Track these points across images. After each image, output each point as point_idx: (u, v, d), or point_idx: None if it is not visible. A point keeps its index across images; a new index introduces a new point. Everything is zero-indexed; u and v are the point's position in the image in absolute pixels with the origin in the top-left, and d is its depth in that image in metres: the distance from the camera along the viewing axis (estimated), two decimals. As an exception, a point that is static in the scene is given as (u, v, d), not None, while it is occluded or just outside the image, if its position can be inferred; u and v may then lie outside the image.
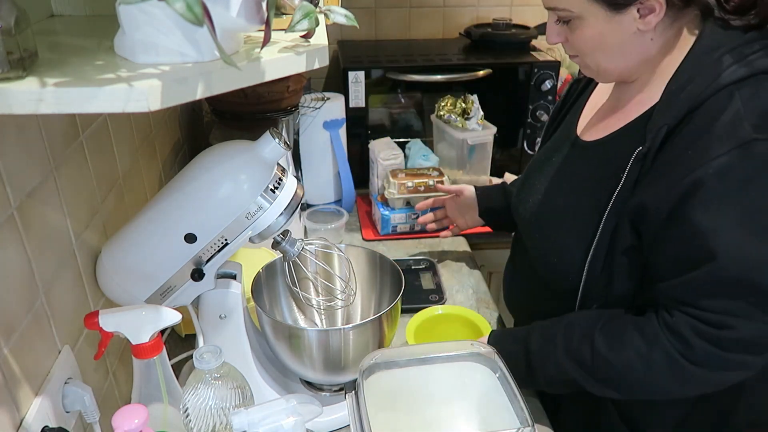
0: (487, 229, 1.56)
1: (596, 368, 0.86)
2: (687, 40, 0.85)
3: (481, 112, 1.53)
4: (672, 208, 0.78)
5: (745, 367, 0.80)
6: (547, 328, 0.93)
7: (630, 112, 0.91)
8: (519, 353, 0.94)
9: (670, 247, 0.81)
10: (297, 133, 1.53)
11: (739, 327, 0.77)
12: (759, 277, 0.75)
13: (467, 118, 1.53)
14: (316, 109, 1.54)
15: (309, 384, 1.03)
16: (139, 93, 0.50)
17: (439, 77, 1.65)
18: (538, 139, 1.19)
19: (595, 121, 0.99)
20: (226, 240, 0.85)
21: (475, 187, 1.32)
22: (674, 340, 0.80)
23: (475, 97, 1.54)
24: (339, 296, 1.07)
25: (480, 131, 1.54)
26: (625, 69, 0.89)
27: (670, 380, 0.83)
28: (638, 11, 0.81)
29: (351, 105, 1.64)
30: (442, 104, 1.60)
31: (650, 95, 0.88)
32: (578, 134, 1.00)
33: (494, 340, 0.99)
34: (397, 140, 1.67)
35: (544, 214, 1.00)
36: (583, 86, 1.09)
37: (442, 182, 1.50)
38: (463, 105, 1.56)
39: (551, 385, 0.93)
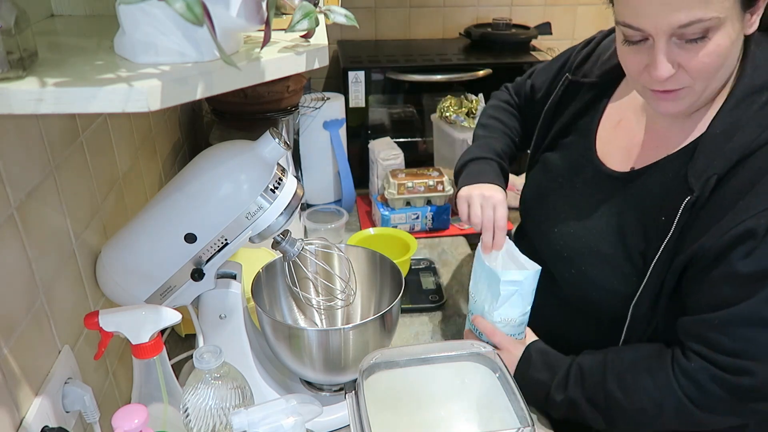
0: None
1: (608, 409, 0.86)
2: (736, 56, 0.80)
3: None
4: (719, 253, 0.76)
5: (755, 415, 0.79)
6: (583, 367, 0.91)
7: (671, 140, 0.86)
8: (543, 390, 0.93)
9: (707, 287, 0.79)
10: (297, 133, 1.53)
11: (757, 372, 0.75)
12: None
13: (473, 118, 1.53)
14: (316, 109, 1.54)
15: (309, 384, 1.03)
16: (138, 93, 0.50)
17: (439, 77, 1.65)
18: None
19: (624, 146, 0.94)
20: (226, 240, 0.85)
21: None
22: (688, 384, 0.79)
23: (480, 96, 1.54)
24: (339, 296, 1.07)
25: (480, 131, 1.53)
26: (717, 82, 0.79)
27: (679, 423, 0.82)
28: (744, 6, 0.74)
29: (351, 105, 1.64)
30: (445, 104, 1.60)
31: (694, 123, 0.83)
32: (601, 159, 0.96)
33: (530, 355, 0.96)
34: (397, 140, 1.67)
35: (579, 251, 0.95)
36: (592, 97, 1.01)
37: (442, 183, 1.50)
38: (469, 105, 1.56)
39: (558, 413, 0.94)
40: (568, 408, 0.91)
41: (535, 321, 1.01)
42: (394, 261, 1.04)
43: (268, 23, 0.59)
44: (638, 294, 0.86)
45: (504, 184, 1.09)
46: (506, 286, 0.94)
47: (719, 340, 0.77)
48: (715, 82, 0.79)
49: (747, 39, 0.80)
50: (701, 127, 0.85)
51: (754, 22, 0.77)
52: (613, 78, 0.98)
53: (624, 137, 0.95)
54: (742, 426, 0.87)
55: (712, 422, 0.81)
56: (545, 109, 1.08)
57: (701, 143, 0.81)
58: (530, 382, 0.93)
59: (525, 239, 1.14)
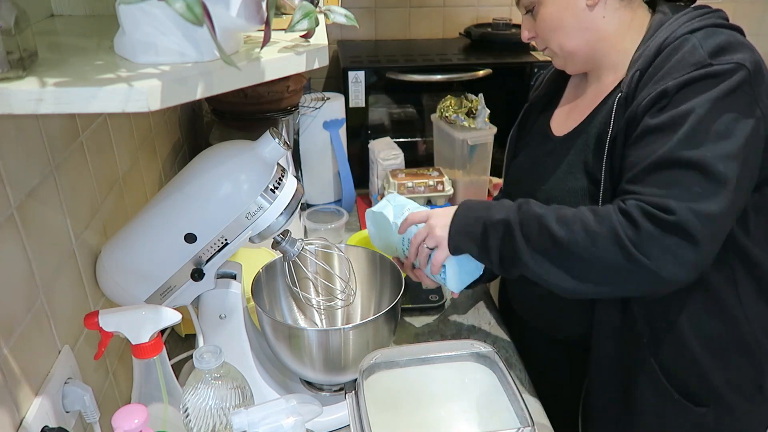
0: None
1: (542, 242, 0.87)
2: (642, 24, 0.96)
3: (488, 111, 1.53)
4: (640, 119, 0.87)
5: (680, 258, 0.81)
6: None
7: (599, 94, 1.00)
8: (480, 220, 0.95)
9: (633, 150, 0.88)
10: (297, 133, 1.53)
11: (678, 210, 0.79)
12: (704, 160, 0.80)
13: (474, 117, 1.53)
14: (316, 109, 1.54)
15: (309, 384, 1.03)
16: (138, 93, 0.50)
17: (439, 77, 1.65)
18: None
19: (568, 116, 1.07)
20: (226, 240, 0.85)
21: None
22: (623, 220, 0.83)
23: (480, 96, 1.54)
24: (339, 296, 1.07)
25: (480, 131, 1.54)
26: (586, 48, 0.97)
27: (612, 260, 0.83)
28: None
29: (351, 105, 1.64)
30: (446, 104, 1.60)
31: (609, 81, 0.98)
32: (552, 130, 1.08)
33: (464, 206, 0.99)
34: (397, 140, 1.67)
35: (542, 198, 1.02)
36: (550, 90, 1.14)
37: (442, 183, 1.50)
38: (469, 104, 1.56)
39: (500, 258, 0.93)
40: (503, 233, 0.91)
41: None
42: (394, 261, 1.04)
43: (268, 23, 0.59)
44: (600, 195, 0.93)
45: None
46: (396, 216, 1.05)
47: (647, 183, 0.84)
48: (566, 42, 0.97)
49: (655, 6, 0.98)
50: (616, 80, 0.98)
51: None
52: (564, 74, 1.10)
53: (567, 109, 1.09)
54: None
55: (645, 270, 0.82)
56: (509, 137, 1.20)
57: (631, 62, 0.94)
58: (469, 221, 0.95)
59: None
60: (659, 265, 0.81)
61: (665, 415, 0.99)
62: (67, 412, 0.76)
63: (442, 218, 0.98)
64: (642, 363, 0.97)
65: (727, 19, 0.93)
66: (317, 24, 0.66)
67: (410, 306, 1.25)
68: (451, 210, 0.98)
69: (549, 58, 1.09)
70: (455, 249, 0.96)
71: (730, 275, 0.93)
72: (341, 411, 0.97)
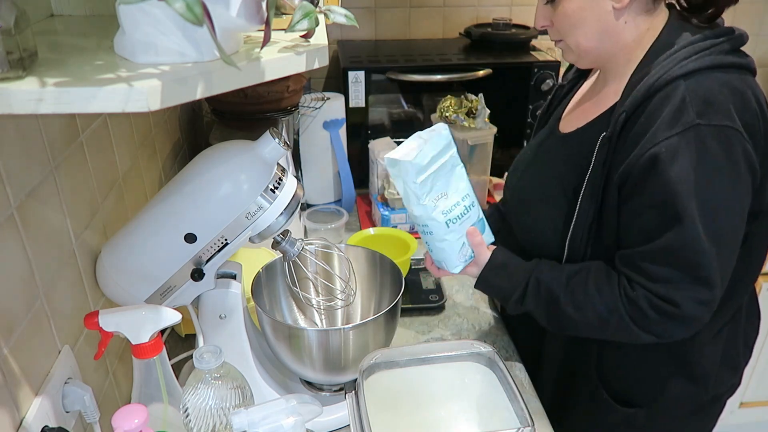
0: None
1: (559, 320, 0.96)
2: (653, 35, 0.93)
3: (488, 111, 1.53)
4: (635, 181, 0.86)
5: (689, 329, 0.90)
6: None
7: (601, 102, 0.99)
8: (512, 286, 1.00)
9: (630, 218, 0.89)
10: (297, 133, 1.53)
11: (681, 303, 0.86)
12: (697, 257, 0.84)
13: (474, 117, 1.53)
14: (316, 109, 1.54)
15: (309, 384, 1.03)
16: (138, 93, 0.50)
17: (439, 77, 1.64)
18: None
19: (572, 115, 1.06)
20: (226, 240, 0.85)
21: None
22: (633, 310, 0.89)
23: (480, 96, 1.54)
24: (339, 296, 1.07)
25: (480, 131, 1.54)
26: (602, 49, 0.95)
27: (622, 337, 0.93)
28: None
29: (351, 105, 1.63)
30: (446, 104, 1.60)
31: (621, 86, 0.95)
32: (560, 125, 1.08)
33: (495, 262, 1.02)
34: (397, 140, 1.66)
35: (523, 198, 1.09)
36: (568, 88, 1.14)
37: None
38: (469, 104, 1.56)
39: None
40: (524, 314, 1.01)
41: None
42: (394, 261, 1.04)
43: (268, 23, 0.59)
44: (571, 229, 0.96)
45: None
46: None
47: (652, 269, 0.87)
48: (583, 41, 0.94)
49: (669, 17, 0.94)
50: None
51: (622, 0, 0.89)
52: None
53: (577, 107, 1.08)
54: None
55: (647, 339, 0.92)
56: (539, 115, 1.21)
57: (623, 92, 0.93)
58: (493, 287, 1.02)
59: None
60: (668, 336, 0.91)
61: (595, 413, 1.08)
62: (67, 412, 0.76)
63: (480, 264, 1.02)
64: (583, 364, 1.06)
65: (737, 47, 0.90)
66: (317, 24, 0.66)
67: (410, 306, 1.25)
68: (484, 261, 1.01)
69: (550, 59, 1.09)
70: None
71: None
72: (341, 411, 0.97)
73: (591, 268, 0.95)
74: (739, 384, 1.10)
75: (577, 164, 0.96)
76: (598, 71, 1.07)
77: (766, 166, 0.87)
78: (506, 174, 1.24)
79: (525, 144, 1.73)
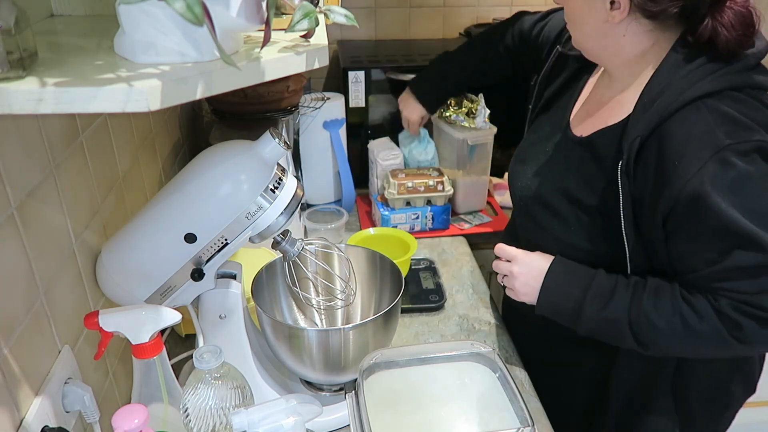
0: (488, 229, 1.57)
1: (648, 340, 0.90)
2: (658, 56, 0.91)
3: (488, 111, 1.53)
4: (681, 217, 0.84)
5: None
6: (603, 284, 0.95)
7: (611, 111, 0.98)
8: (573, 296, 0.96)
9: (690, 244, 0.86)
10: (297, 133, 1.53)
11: None
12: None
13: (474, 117, 1.53)
14: (316, 109, 1.54)
15: (309, 384, 1.03)
16: (138, 93, 0.50)
17: (439, 77, 1.64)
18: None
19: (583, 116, 1.05)
20: (226, 240, 0.85)
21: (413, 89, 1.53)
22: (725, 321, 0.85)
23: (480, 96, 1.54)
24: (339, 296, 1.07)
25: (480, 131, 1.54)
26: (601, 53, 0.96)
27: (712, 350, 0.91)
28: (610, 2, 0.87)
29: (351, 105, 1.64)
30: (446, 104, 1.60)
31: (629, 100, 0.94)
32: (570, 126, 1.05)
33: (556, 271, 0.98)
34: (397, 140, 1.66)
35: (532, 201, 1.06)
36: (575, 71, 1.11)
37: (442, 183, 1.50)
38: (469, 104, 1.56)
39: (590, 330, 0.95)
40: (598, 324, 0.93)
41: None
42: (394, 261, 1.04)
43: (268, 23, 0.59)
44: (628, 258, 0.93)
45: (426, 97, 1.52)
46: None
47: (733, 285, 0.84)
48: (581, 38, 0.96)
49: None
50: (629, 107, 0.93)
51: (613, 16, 0.88)
52: None
53: (588, 108, 1.05)
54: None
55: (747, 352, 0.93)
56: (538, 80, 1.19)
57: (633, 112, 0.91)
58: (560, 298, 0.96)
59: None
60: (762, 347, 0.91)
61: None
62: (67, 412, 0.76)
63: (528, 274, 0.99)
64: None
65: (753, 64, 0.87)
66: (317, 24, 0.66)
67: (410, 306, 1.25)
68: (539, 266, 0.98)
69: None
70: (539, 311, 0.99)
71: None
72: (341, 411, 0.97)
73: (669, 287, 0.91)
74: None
75: (589, 177, 0.96)
76: (601, 68, 1.06)
77: None
78: (507, 174, 1.24)
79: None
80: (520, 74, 1.65)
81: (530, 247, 1.03)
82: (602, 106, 1.00)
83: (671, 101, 0.85)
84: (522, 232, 1.11)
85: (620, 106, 0.96)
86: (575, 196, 0.98)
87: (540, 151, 1.09)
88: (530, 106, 1.21)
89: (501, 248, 1.04)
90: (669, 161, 0.84)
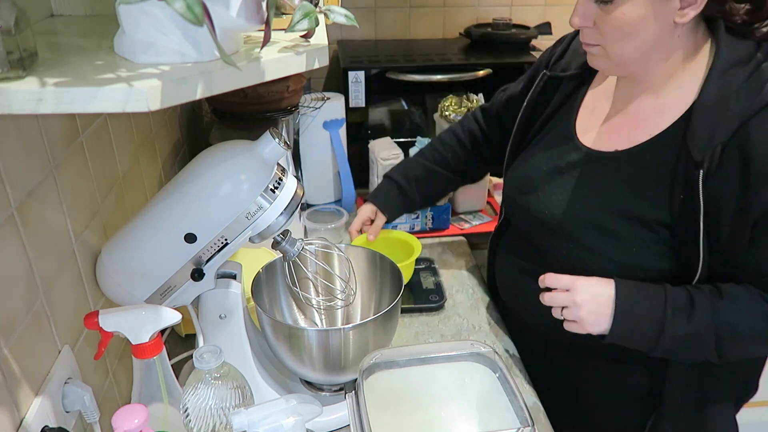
0: (488, 228, 1.57)
1: (723, 335, 0.87)
2: (704, 54, 0.89)
3: None
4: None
5: None
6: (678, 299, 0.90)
7: (649, 122, 0.93)
8: (656, 322, 0.90)
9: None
10: (297, 133, 1.53)
11: None
12: None
13: None
14: (316, 109, 1.54)
15: (309, 384, 1.03)
16: (138, 93, 0.50)
17: (439, 77, 1.65)
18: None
19: (601, 128, 0.99)
20: (226, 240, 0.85)
21: (367, 200, 1.33)
22: None
23: (480, 96, 1.54)
24: (339, 296, 1.07)
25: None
26: (644, 62, 0.90)
27: None
28: (681, 0, 0.83)
29: (351, 105, 1.64)
30: (446, 104, 1.60)
31: (669, 105, 0.90)
32: (581, 140, 1.00)
33: (626, 293, 0.91)
34: (397, 140, 1.66)
35: (577, 226, 0.97)
36: (572, 88, 1.06)
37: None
38: (469, 104, 1.56)
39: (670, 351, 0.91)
40: (681, 342, 0.89)
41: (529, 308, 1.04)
42: (399, 265, 1.03)
43: (268, 23, 0.59)
44: (700, 268, 0.89)
45: (385, 202, 1.31)
46: None
47: None
48: (631, 52, 0.88)
49: (715, 31, 0.89)
50: (675, 112, 0.91)
51: (686, 14, 0.84)
52: (592, 68, 1.01)
53: (599, 120, 1.00)
54: None
55: None
56: (524, 105, 1.11)
57: (695, 117, 0.87)
58: (638, 320, 0.89)
59: (508, 233, 1.17)
60: None
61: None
62: (67, 412, 0.76)
63: (594, 301, 0.90)
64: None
65: None
66: (317, 24, 0.66)
67: (410, 306, 1.25)
68: (603, 291, 0.90)
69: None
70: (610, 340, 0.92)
71: None
72: (341, 411, 0.97)
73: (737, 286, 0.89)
74: None
75: (644, 192, 0.91)
76: (606, 78, 1.02)
77: None
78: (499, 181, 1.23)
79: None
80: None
81: (572, 272, 0.93)
82: (632, 117, 0.96)
83: (749, 104, 0.82)
84: (559, 258, 1.00)
85: (658, 114, 0.92)
86: (630, 212, 0.92)
87: (551, 175, 1.02)
88: (513, 134, 1.13)
89: (554, 278, 0.93)
90: (759, 164, 0.81)
